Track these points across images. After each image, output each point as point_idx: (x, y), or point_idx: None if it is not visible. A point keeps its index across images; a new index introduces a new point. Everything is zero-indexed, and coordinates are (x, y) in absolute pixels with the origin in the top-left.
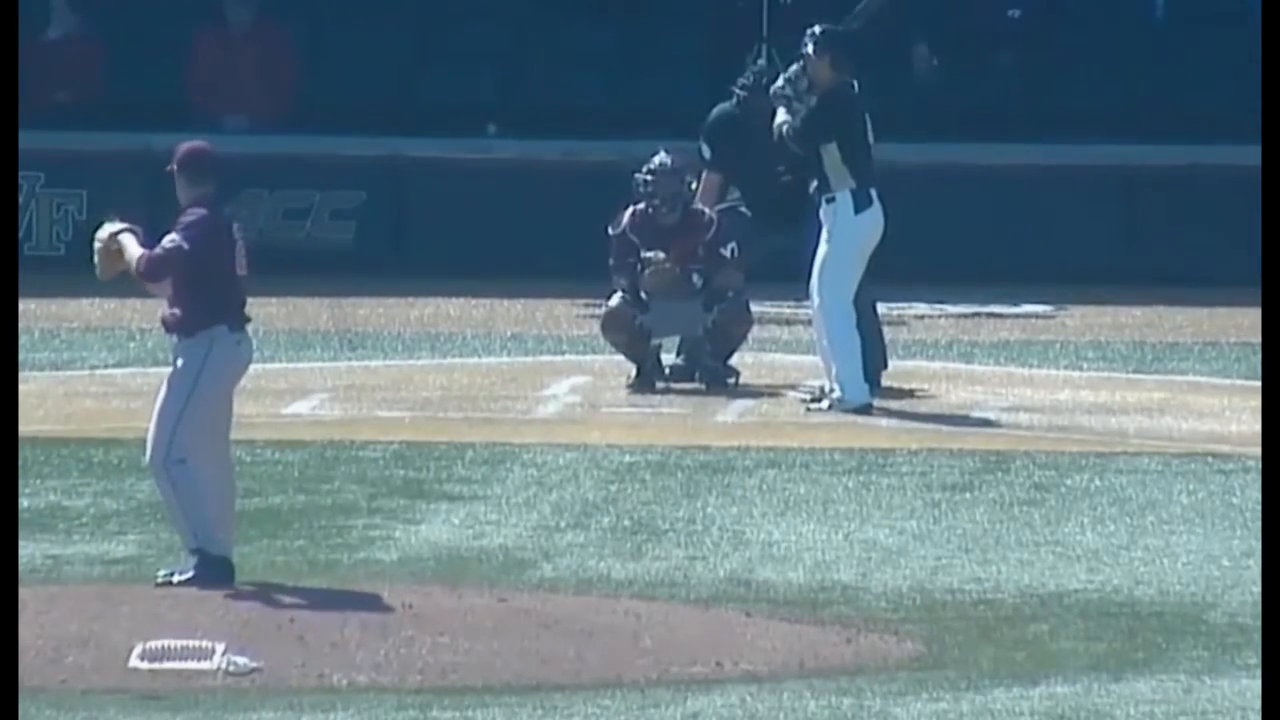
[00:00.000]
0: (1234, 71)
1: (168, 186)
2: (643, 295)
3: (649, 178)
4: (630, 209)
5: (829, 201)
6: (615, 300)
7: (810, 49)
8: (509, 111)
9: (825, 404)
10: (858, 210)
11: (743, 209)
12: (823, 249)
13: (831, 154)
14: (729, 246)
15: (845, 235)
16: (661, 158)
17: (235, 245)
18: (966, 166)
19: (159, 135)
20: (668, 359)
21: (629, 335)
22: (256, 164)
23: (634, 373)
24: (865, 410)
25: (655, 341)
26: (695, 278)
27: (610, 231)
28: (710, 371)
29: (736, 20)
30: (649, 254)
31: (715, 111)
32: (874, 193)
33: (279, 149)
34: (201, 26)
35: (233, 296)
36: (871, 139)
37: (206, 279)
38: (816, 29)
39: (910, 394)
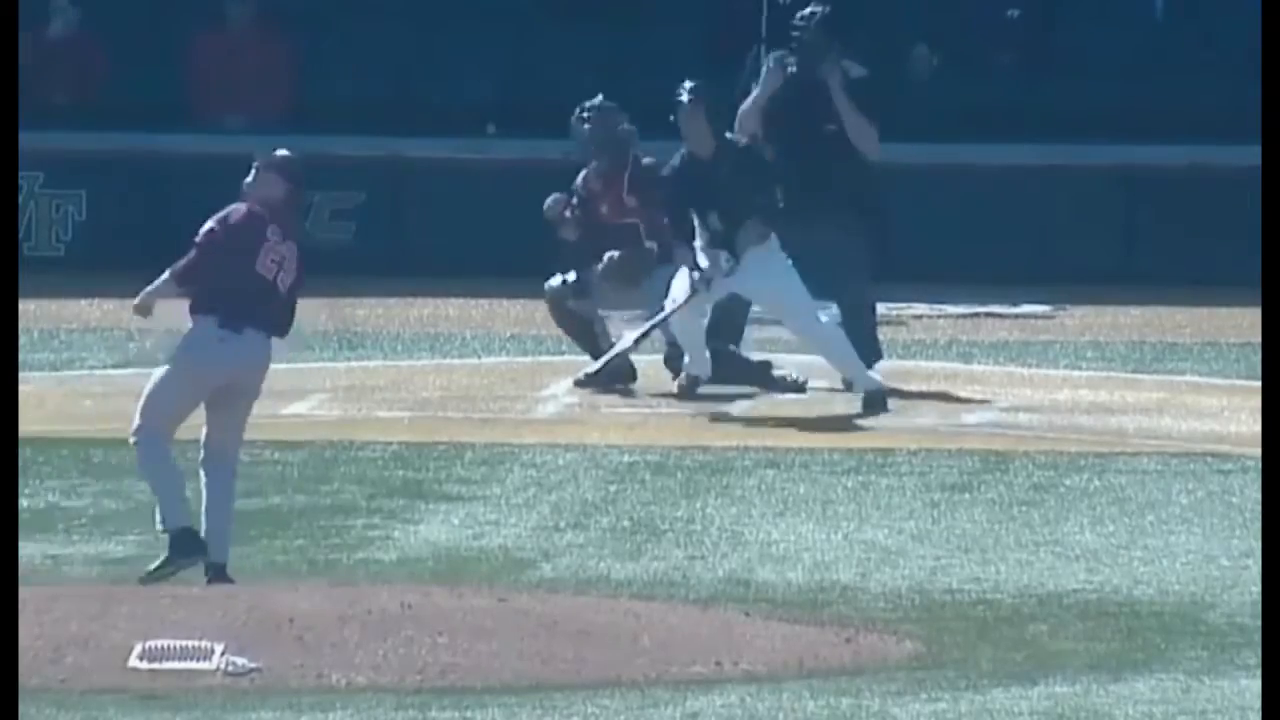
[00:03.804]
0: (1234, 71)
1: (165, 187)
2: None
3: (587, 115)
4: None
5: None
6: (553, 283)
7: (685, 99)
8: (509, 111)
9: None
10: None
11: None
12: (779, 297)
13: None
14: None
15: (785, 273)
16: (599, 99)
17: (263, 246)
18: (966, 166)
19: (158, 136)
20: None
21: (568, 321)
22: None
23: (591, 367)
24: (879, 398)
25: (599, 330)
26: (649, 244)
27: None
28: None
29: (735, 21)
30: (610, 254)
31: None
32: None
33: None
34: (201, 26)
35: (241, 293)
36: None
37: (220, 269)
38: (689, 83)
39: (910, 394)
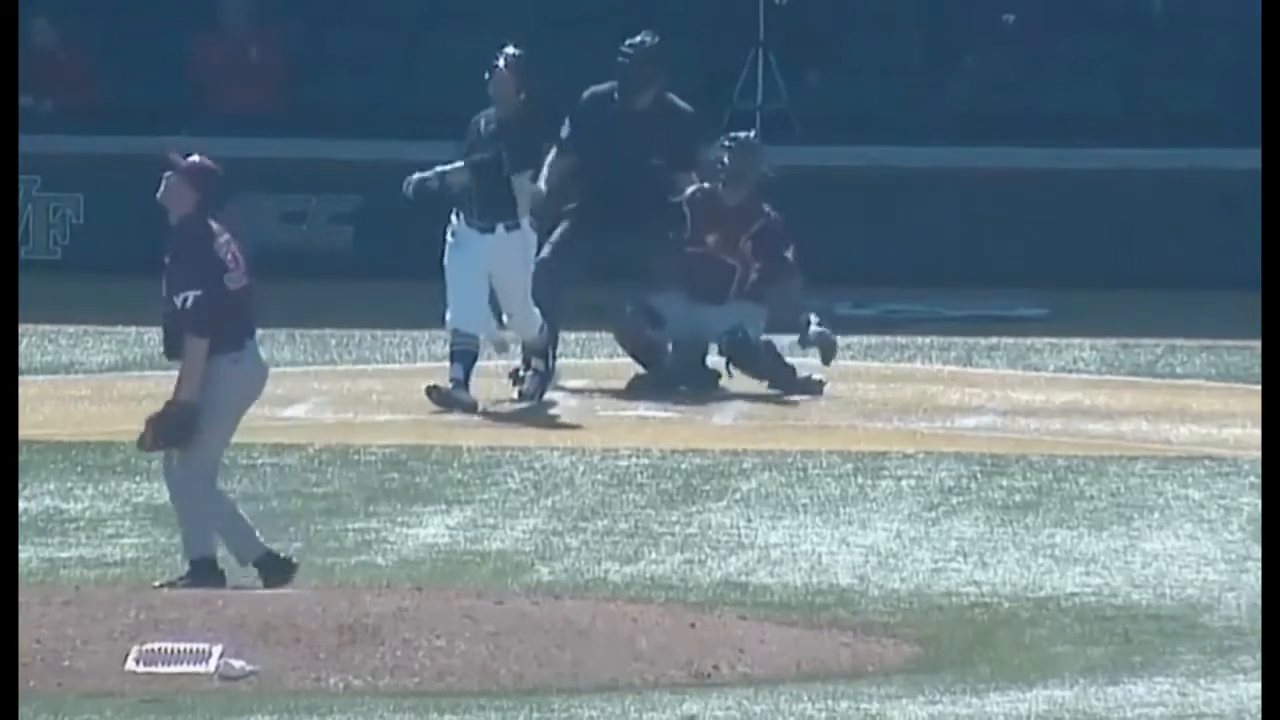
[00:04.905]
0: (1232, 73)
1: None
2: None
3: (729, 143)
4: (697, 185)
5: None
6: (628, 311)
7: (500, 63)
8: None
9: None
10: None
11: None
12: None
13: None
14: (790, 249)
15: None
16: (746, 135)
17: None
18: (964, 170)
19: (156, 138)
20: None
21: (641, 346)
22: (253, 167)
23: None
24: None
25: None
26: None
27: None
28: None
29: (734, 23)
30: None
31: (592, 90)
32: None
33: (276, 152)
34: (198, 29)
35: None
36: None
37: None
38: (510, 49)
39: (907, 397)
